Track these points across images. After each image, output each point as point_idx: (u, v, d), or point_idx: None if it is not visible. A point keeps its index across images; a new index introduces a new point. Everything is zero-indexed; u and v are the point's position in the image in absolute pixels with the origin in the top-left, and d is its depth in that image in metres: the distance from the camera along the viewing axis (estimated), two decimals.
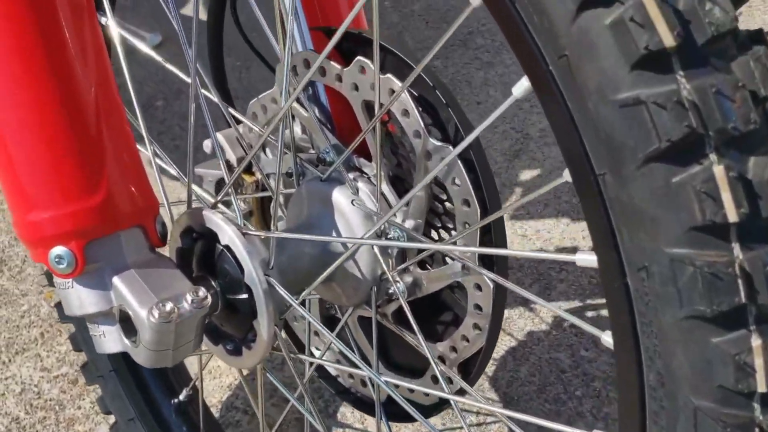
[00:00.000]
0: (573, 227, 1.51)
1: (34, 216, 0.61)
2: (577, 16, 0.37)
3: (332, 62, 0.72)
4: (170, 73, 0.75)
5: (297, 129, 0.82)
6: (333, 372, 0.87)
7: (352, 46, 0.73)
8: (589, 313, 1.34)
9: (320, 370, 0.87)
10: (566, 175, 0.43)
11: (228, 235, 0.64)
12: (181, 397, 0.99)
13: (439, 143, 0.66)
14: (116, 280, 0.62)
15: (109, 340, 0.65)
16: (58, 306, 1.02)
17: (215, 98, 0.72)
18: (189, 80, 0.67)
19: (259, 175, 0.86)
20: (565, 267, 1.41)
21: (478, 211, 0.65)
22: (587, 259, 0.45)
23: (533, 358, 1.26)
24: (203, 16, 0.94)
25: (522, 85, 0.46)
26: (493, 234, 0.66)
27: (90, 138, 0.60)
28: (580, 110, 0.38)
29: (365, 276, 0.73)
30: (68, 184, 0.60)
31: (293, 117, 0.79)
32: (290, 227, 0.74)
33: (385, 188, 0.73)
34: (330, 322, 0.84)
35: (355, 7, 0.57)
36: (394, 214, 0.71)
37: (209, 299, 0.62)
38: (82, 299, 0.63)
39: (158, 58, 0.75)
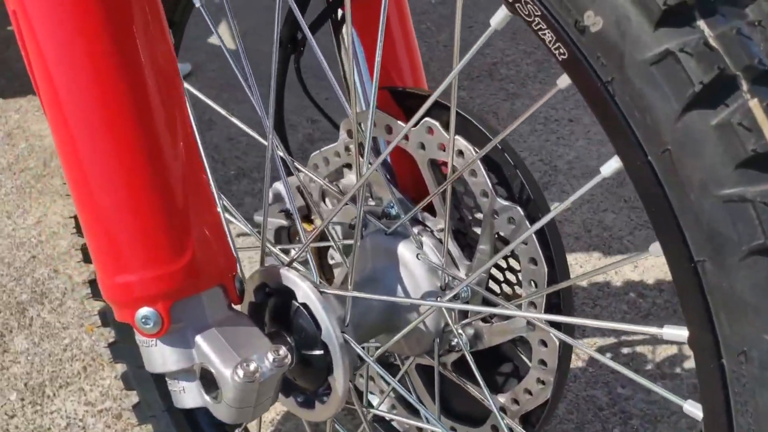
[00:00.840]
0: (605, 261, 1.52)
1: (122, 278, 0.63)
2: (682, 116, 0.39)
3: (399, 122, 0.74)
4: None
5: (352, 177, 0.84)
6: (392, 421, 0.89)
7: (413, 105, 0.76)
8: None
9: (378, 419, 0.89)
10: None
11: (306, 293, 0.66)
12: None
13: (506, 203, 0.68)
14: (199, 339, 0.65)
15: (189, 395, 0.67)
16: (112, 347, 1.04)
17: (281, 150, 0.75)
18: (256, 136, 0.70)
19: (318, 223, 0.88)
20: (612, 303, 1.43)
21: (545, 269, 0.67)
22: (676, 334, 0.46)
23: (570, 395, 1.28)
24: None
25: (611, 166, 0.48)
26: (561, 298, 0.68)
27: (178, 201, 0.62)
28: (680, 200, 0.40)
29: (429, 328, 0.75)
30: (157, 248, 0.62)
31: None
32: (356, 280, 0.77)
33: (450, 243, 0.75)
34: (387, 368, 0.86)
35: (447, 78, 0.59)
36: (458, 269, 0.74)
37: (289, 358, 0.64)
38: (165, 357, 0.65)
39: (234, 119, 0.78)
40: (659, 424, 1.23)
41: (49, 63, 0.57)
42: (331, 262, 0.89)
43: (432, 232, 0.76)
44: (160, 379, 1.03)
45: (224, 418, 0.65)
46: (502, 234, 0.69)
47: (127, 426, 1.28)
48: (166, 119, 0.61)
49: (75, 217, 0.89)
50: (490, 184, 0.69)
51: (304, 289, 0.67)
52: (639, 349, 1.35)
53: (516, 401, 0.75)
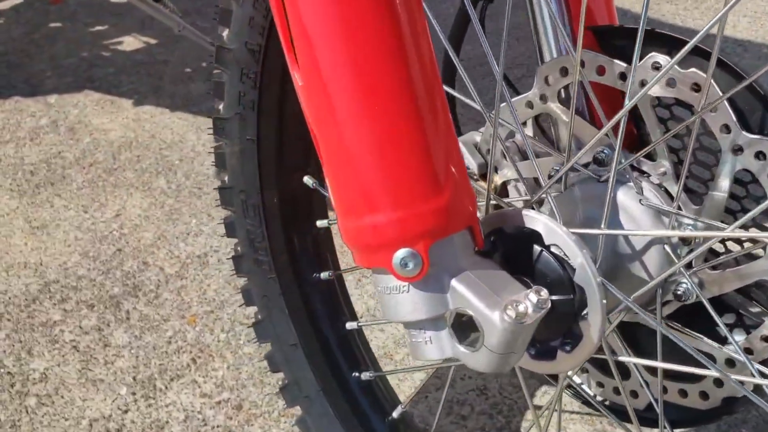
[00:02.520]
0: None
1: (374, 219, 0.62)
2: None
3: (616, 61, 0.74)
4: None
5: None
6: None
7: (624, 44, 0.76)
8: None
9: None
10: None
11: (556, 233, 0.66)
12: (395, 414, 1.00)
13: (754, 136, 0.68)
14: (455, 283, 0.64)
15: (434, 346, 0.66)
16: (256, 326, 1.04)
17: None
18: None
19: (498, 181, 0.88)
20: None
21: None
22: None
23: None
24: None
25: None
26: None
27: (437, 136, 0.62)
28: None
29: (652, 276, 0.74)
30: (421, 184, 0.61)
31: (551, 119, 0.81)
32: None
33: (673, 188, 0.75)
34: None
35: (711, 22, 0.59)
36: (681, 212, 0.73)
37: (549, 300, 0.64)
38: (417, 304, 0.64)
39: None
40: None
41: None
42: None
43: (649, 177, 0.75)
44: (315, 357, 1.02)
45: (483, 366, 0.64)
46: (748, 169, 0.69)
47: (250, 417, 1.27)
48: (420, 57, 0.61)
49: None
50: (734, 117, 0.68)
51: (553, 229, 0.66)
52: None
53: (749, 350, 0.74)
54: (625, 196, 0.74)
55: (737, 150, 0.69)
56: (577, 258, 0.65)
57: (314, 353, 1.02)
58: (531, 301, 0.62)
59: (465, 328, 0.64)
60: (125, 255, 1.59)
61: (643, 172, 0.76)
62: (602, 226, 0.68)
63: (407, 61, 0.60)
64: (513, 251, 0.68)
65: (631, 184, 0.74)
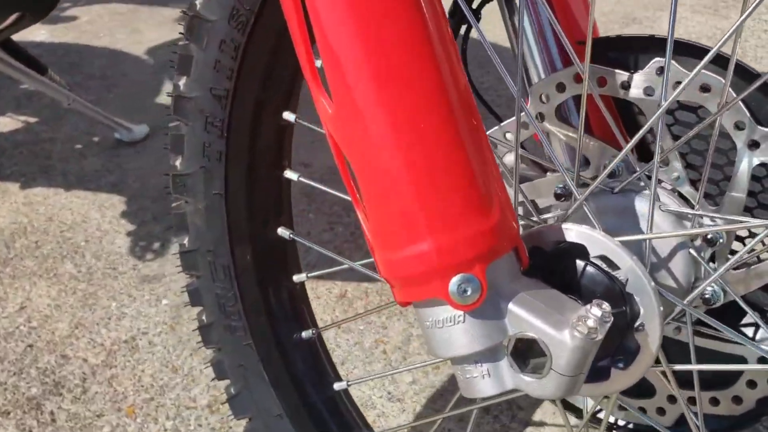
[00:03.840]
0: None
1: (425, 246, 0.59)
2: None
3: (617, 71, 0.76)
4: None
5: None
6: None
7: (617, 55, 0.77)
8: None
9: None
10: None
11: (603, 243, 0.65)
12: None
13: None
14: (512, 306, 0.61)
15: (493, 380, 0.62)
16: (233, 401, 0.96)
17: None
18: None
19: None
20: None
21: None
22: None
23: None
24: None
25: None
26: None
27: (481, 150, 0.60)
28: None
29: (680, 282, 0.74)
30: (471, 205, 0.59)
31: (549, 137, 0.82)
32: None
33: (688, 191, 0.76)
34: None
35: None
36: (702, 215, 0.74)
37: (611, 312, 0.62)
38: (474, 334, 0.61)
39: None
40: None
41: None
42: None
43: (660, 181, 0.77)
44: (304, 426, 0.95)
45: (551, 393, 0.61)
46: (766, 163, 0.71)
47: None
48: (455, 76, 0.60)
49: None
50: (748, 114, 0.71)
51: (599, 239, 0.65)
52: None
53: None
54: (641, 204, 0.75)
55: (753, 145, 0.71)
56: (627, 265, 0.64)
57: (303, 422, 0.95)
58: (595, 315, 0.60)
59: (525, 355, 0.62)
60: (38, 350, 1.46)
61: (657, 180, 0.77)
62: (646, 231, 0.67)
63: (445, 81, 0.58)
64: (555, 268, 0.67)
65: (647, 191, 0.75)
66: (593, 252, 0.65)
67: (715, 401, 0.80)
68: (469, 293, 0.59)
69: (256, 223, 0.92)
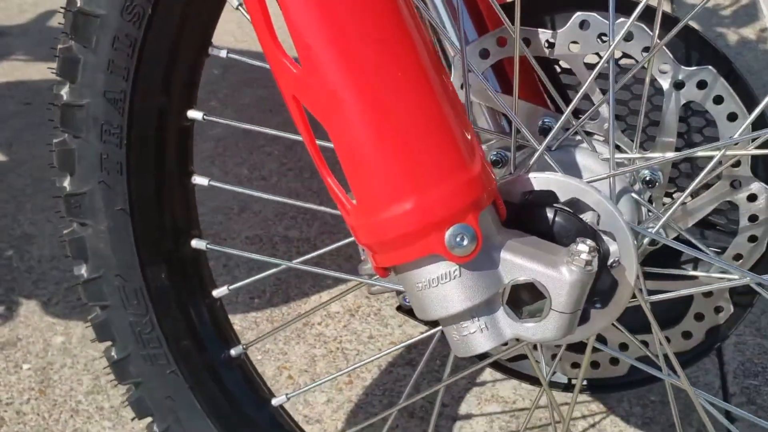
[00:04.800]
0: None
1: (418, 200, 0.57)
2: None
3: (540, 30, 0.78)
4: None
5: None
6: None
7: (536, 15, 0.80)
8: None
9: None
10: None
11: (574, 187, 0.66)
12: None
13: (694, 67, 0.75)
14: (504, 254, 0.61)
15: (491, 332, 0.62)
16: (135, 404, 0.87)
17: None
18: None
19: None
20: None
21: (747, 117, 0.74)
22: None
23: None
24: None
25: None
26: None
27: (455, 101, 0.60)
28: None
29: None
30: (458, 153, 0.59)
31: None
32: None
33: (620, 139, 0.79)
34: None
35: None
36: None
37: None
38: (470, 287, 0.60)
39: None
40: None
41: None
42: None
43: (593, 134, 0.79)
44: None
45: (552, 334, 0.61)
46: (693, 100, 0.75)
47: None
48: (419, 30, 0.59)
49: None
50: (671, 56, 0.75)
51: (569, 183, 0.66)
52: None
53: (740, 255, 0.78)
54: (583, 157, 0.77)
55: (678, 85, 0.76)
56: (598, 204, 0.66)
57: None
58: (584, 250, 0.61)
59: (520, 302, 0.62)
60: None
61: (588, 133, 0.80)
62: (609, 170, 0.69)
63: (412, 31, 0.58)
64: (526, 219, 0.67)
65: (584, 144, 0.77)
66: (563, 197, 0.66)
67: (667, 340, 0.83)
68: (465, 243, 0.58)
69: (168, 238, 0.86)
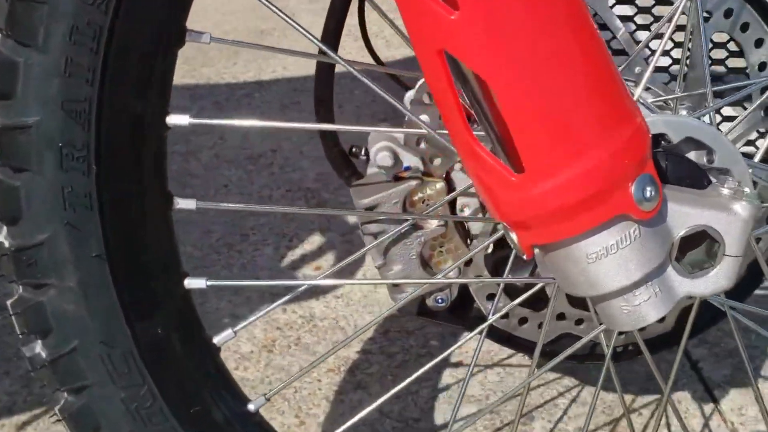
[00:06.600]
0: None
1: (605, 151, 0.52)
2: None
3: None
4: None
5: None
6: None
7: None
8: None
9: None
10: None
11: (689, 126, 0.63)
12: None
13: None
14: (671, 204, 0.56)
15: (664, 296, 0.57)
16: None
17: None
18: None
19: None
20: None
21: None
22: None
23: None
24: None
25: None
26: None
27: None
28: None
29: None
30: (627, 101, 0.54)
31: None
32: None
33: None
34: None
35: None
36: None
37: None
38: (651, 247, 0.56)
39: None
40: None
41: None
42: None
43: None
44: None
45: (725, 283, 0.58)
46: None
47: None
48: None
49: None
50: None
51: (687, 123, 0.63)
52: None
53: None
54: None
55: (706, 20, 0.76)
56: (716, 141, 0.63)
57: None
58: (732, 187, 0.58)
59: (686, 256, 0.57)
60: None
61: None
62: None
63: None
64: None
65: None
66: (676, 138, 0.63)
67: None
68: (653, 194, 0.53)
69: (158, 280, 0.71)
